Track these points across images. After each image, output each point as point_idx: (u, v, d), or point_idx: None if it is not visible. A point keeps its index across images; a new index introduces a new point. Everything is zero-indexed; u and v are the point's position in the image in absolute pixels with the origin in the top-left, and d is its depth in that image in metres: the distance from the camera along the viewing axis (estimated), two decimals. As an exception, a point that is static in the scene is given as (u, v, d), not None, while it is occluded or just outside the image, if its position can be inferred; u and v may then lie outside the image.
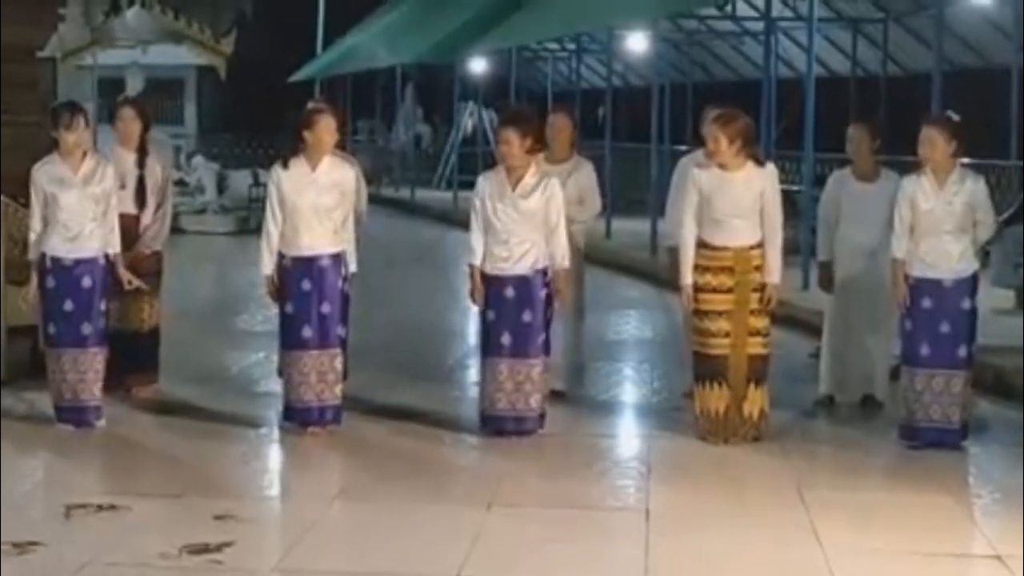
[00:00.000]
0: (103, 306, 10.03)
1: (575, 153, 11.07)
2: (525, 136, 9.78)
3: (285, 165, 9.80)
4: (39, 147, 11.95)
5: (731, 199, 9.59)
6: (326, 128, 9.75)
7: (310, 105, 10.52)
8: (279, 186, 9.79)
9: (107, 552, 7.31)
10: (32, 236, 10.07)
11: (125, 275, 10.20)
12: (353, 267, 10.04)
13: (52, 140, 10.12)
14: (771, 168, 9.85)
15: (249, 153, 33.01)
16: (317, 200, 9.73)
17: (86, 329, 9.94)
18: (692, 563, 7.34)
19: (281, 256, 9.81)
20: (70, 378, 9.94)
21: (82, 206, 9.93)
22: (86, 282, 9.95)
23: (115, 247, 10.12)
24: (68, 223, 9.91)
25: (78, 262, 9.95)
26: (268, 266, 9.85)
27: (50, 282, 9.97)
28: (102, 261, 10.03)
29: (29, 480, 8.89)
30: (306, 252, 9.76)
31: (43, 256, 9.99)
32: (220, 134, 37.52)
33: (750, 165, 9.64)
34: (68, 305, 9.93)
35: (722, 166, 9.61)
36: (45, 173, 9.99)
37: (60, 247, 9.94)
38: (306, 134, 9.72)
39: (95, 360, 9.98)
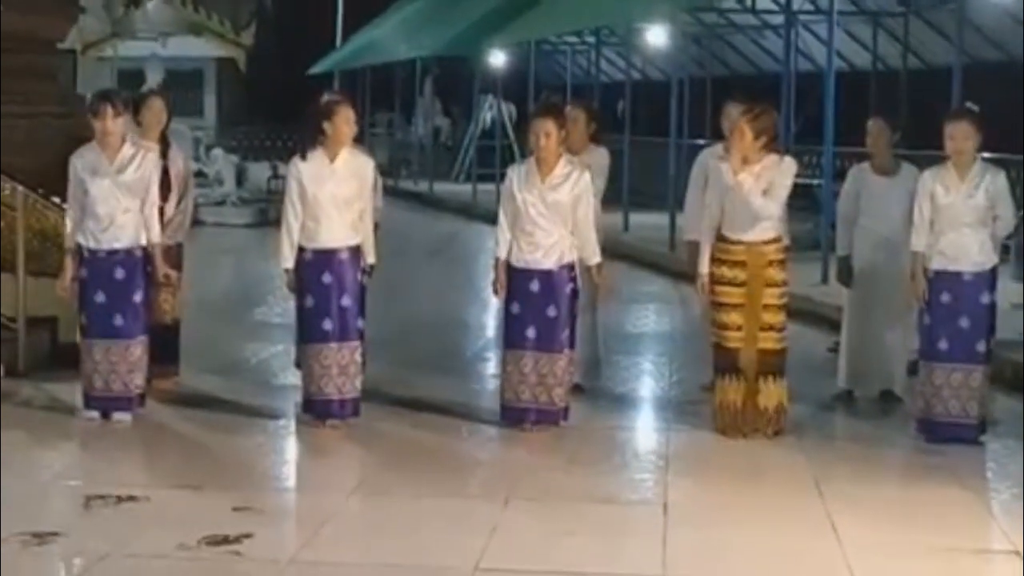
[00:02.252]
0: (138, 297, 9.95)
1: (592, 145, 11.03)
2: (562, 127, 9.80)
3: (303, 157, 9.80)
4: (59, 139, 12.00)
5: (747, 195, 9.55)
6: (345, 119, 9.75)
7: (326, 96, 10.52)
8: (298, 178, 9.79)
9: (126, 543, 7.33)
10: (69, 224, 10.03)
11: (162, 267, 10.14)
12: (372, 259, 10.04)
13: (90, 129, 10.09)
14: (789, 160, 9.82)
15: (268, 145, 33.11)
16: (336, 191, 9.73)
17: (118, 320, 9.89)
18: (710, 557, 7.34)
19: (301, 249, 9.81)
20: (101, 368, 9.91)
21: (113, 194, 9.87)
22: (119, 273, 9.90)
23: (153, 238, 10.04)
24: (99, 212, 9.87)
25: (111, 253, 9.91)
26: (289, 260, 9.84)
27: (83, 272, 9.95)
28: (138, 252, 9.97)
29: (49, 471, 8.91)
30: (326, 244, 9.76)
31: (78, 246, 9.99)
32: (239, 126, 37.60)
33: (772, 157, 9.62)
34: (100, 296, 9.90)
35: (744, 160, 9.59)
36: (83, 161, 9.96)
37: (92, 238, 9.92)
38: (325, 125, 9.71)
39: (128, 351, 9.93)
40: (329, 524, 7.76)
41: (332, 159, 9.76)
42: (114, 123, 9.91)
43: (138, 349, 9.98)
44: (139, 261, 9.98)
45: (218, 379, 11.36)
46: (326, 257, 9.77)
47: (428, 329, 14.15)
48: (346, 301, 9.76)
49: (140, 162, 9.99)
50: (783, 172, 9.63)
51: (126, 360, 9.93)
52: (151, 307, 10.23)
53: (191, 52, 34.47)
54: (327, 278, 9.76)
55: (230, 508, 7.89)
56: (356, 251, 9.84)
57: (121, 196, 9.90)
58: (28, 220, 11.41)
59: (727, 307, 9.67)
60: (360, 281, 9.86)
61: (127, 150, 9.99)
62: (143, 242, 9.99)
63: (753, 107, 9.73)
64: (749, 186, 9.51)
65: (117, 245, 9.92)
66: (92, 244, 9.92)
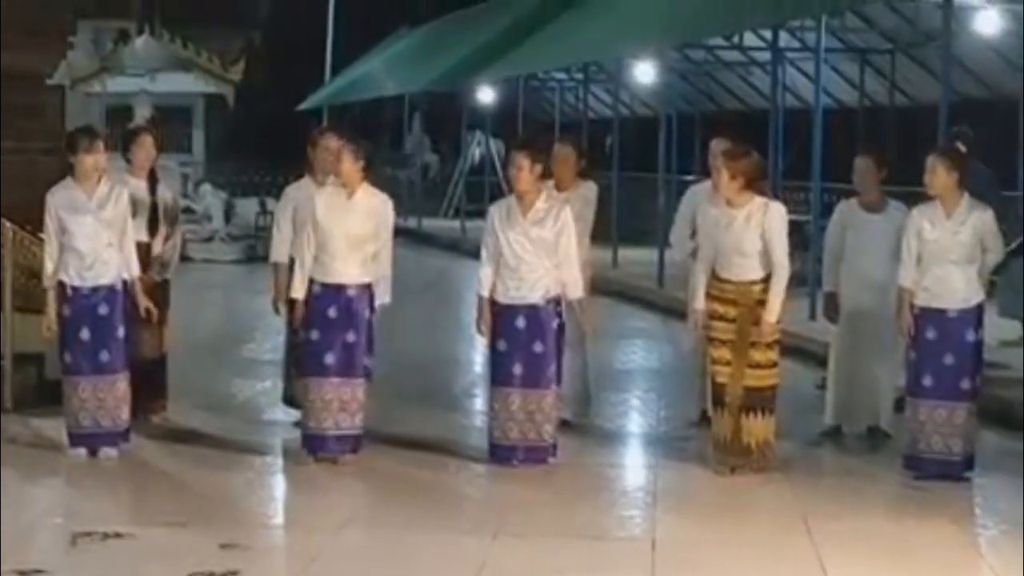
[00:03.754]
0: (121, 332, 9.95)
1: (581, 181, 11.04)
2: (535, 161, 9.81)
3: (320, 183, 9.83)
4: (47, 174, 12.00)
5: (731, 236, 9.60)
6: (324, 147, 9.85)
7: (318, 134, 10.58)
8: (313, 212, 9.76)
9: (113, 580, 7.31)
10: (48, 264, 9.97)
11: (143, 301, 10.14)
12: (387, 299, 10.02)
13: (68, 165, 10.09)
14: (776, 206, 9.80)
15: (256, 181, 33.06)
16: (351, 229, 9.72)
17: (104, 356, 9.89)
18: (698, 593, 7.34)
19: (310, 282, 9.79)
20: (89, 405, 9.88)
21: (96, 232, 9.88)
22: (103, 309, 9.89)
23: (133, 272, 10.07)
24: (83, 250, 9.85)
25: (95, 289, 9.90)
26: (300, 291, 9.82)
27: (66, 311, 9.92)
28: (119, 287, 9.97)
29: (35, 507, 8.88)
30: (335, 279, 9.74)
31: (61, 284, 9.95)
32: (228, 162, 37.57)
33: (755, 202, 9.64)
34: (85, 333, 9.88)
35: (728, 202, 9.63)
36: (59, 199, 9.95)
37: (76, 275, 9.90)
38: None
39: (115, 386, 9.92)
40: (317, 561, 7.74)
41: (349, 196, 9.75)
42: (96, 158, 9.92)
43: (123, 384, 9.98)
44: (121, 296, 9.97)
45: (206, 415, 11.34)
46: (334, 292, 9.75)
47: (417, 365, 14.13)
48: (351, 337, 9.73)
49: (117, 197, 10.00)
50: (775, 219, 9.63)
51: (113, 395, 9.92)
52: (133, 342, 10.20)
53: (180, 88, 34.40)
54: (333, 312, 9.73)
55: (217, 545, 7.86)
56: (366, 288, 9.82)
57: (104, 232, 9.90)
58: (15, 256, 11.40)
59: (716, 342, 9.70)
60: (369, 319, 9.84)
61: (104, 186, 9.99)
62: (125, 276, 9.99)
63: (733, 149, 9.77)
64: (739, 228, 9.54)
65: (102, 282, 9.91)
66: (77, 282, 9.89)
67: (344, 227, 9.69)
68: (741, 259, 9.62)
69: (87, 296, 9.91)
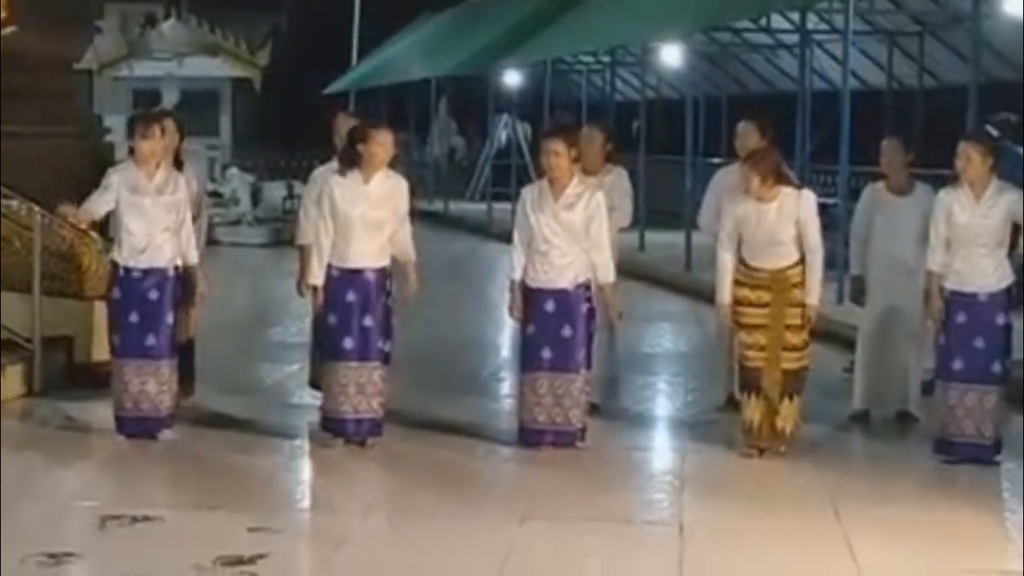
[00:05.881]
0: (170, 318, 9.94)
1: (609, 165, 11.02)
2: (571, 146, 9.79)
3: (342, 174, 9.81)
4: (75, 158, 12.04)
5: (766, 229, 9.58)
6: (379, 143, 9.75)
7: (340, 117, 10.58)
8: (331, 196, 9.77)
9: (141, 563, 7.34)
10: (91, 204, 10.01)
11: (203, 286, 10.13)
12: (415, 284, 10.04)
13: (129, 149, 10.11)
14: (807, 194, 9.78)
15: (283, 165, 33.06)
16: (368, 213, 9.71)
17: (150, 340, 9.87)
18: (726, 578, 7.33)
19: (328, 267, 9.81)
20: (132, 389, 9.88)
21: (153, 216, 9.89)
22: (153, 294, 9.88)
23: (191, 258, 10.07)
24: (137, 232, 9.86)
25: (146, 273, 9.91)
26: (319, 277, 9.83)
27: (117, 292, 9.95)
28: (171, 272, 9.97)
29: (64, 491, 8.92)
30: (353, 264, 9.75)
31: (114, 264, 9.99)
32: (254, 146, 37.62)
33: (784, 192, 9.61)
34: (134, 317, 9.88)
35: (758, 199, 9.60)
36: (120, 176, 9.98)
37: (130, 257, 9.91)
38: (360, 147, 9.72)
39: (158, 372, 9.91)
40: (344, 545, 7.75)
41: (367, 181, 9.75)
42: (153, 144, 9.92)
43: (167, 370, 9.97)
44: (172, 281, 9.97)
45: (233, 399, 11.36)
46: (352, 276, 9.76)
47: (444, 349, 14.14)
48: (368, 321, 9.74)
49: (176, 184, 10.02)
50: (808, 207, 9.63)
51: (157, 380, 9.90)
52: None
53: (207, 72, 34.49)
54: (351, 296, 9.74)
55: (245, 528, 7.89)
56: (383, 272, 9.82)
57: (161, 216, 9.91)
58: (44, 240, 11.43)
59: (748, 327, 9.67)
60: (386, 303, 9.85)
61: (163, 171, 10.00)
62: (178, 263, 9.99)
63: (753, 153, 9.76)
64: (773, 220, 9.52)
65: (154, 265, 9.91)
66: (130, 263, 9.91)
67: (360, 212, 9.69)
68: (777, 248, 9.59)
69: (139, 279, 9.90)
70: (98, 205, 10.04)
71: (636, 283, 17.61)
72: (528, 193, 9.96)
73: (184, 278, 10.04)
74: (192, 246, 10.11)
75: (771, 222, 9.56)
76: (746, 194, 9.65)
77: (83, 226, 10.55)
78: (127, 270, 9.92)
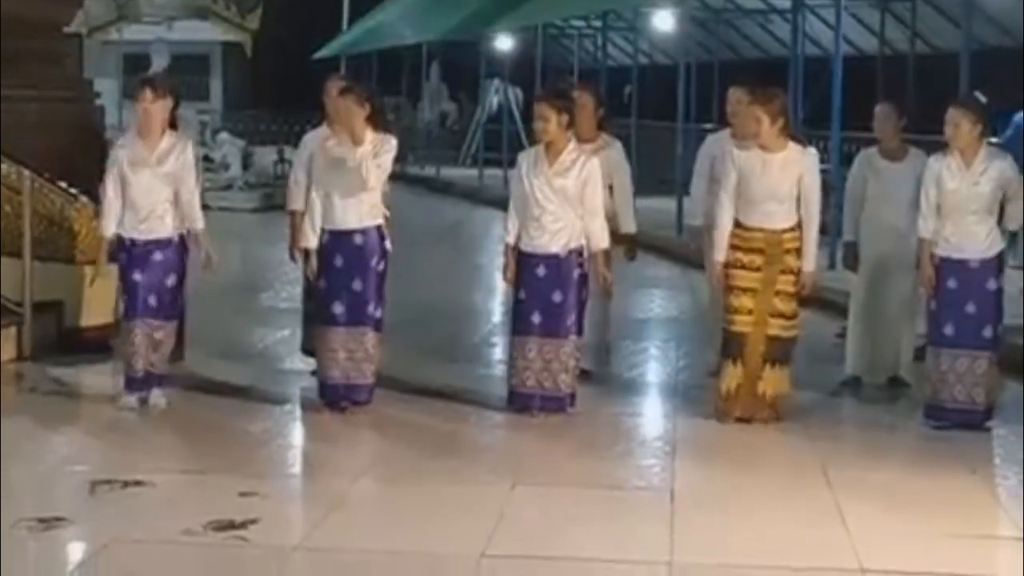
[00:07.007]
0: (171, 281, 9.85)
1: (602, 132, 10.97)
2: (561, 112, 9.74)
3: (327, 138, 9.77)
4: (65, 122, 11.98)
5: (768, 182, 9.52)
6: (345, 107, 9.69)
7: (331, 81, 10.52)
8: (316, 159, 9.76)
9: (132, 528, 7.33)
10: (104, 220, 9.92)
11: (209, 251, 10.01)
12: (388, 245, 9.98)
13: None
14: (812, 152, 9.76)
15: (274, 129, 33.05)
16: (352, 175, 9.68)
17: (152, 301, 9.79)
18: (717, 543, 7.31)
19: (320, 231, 9.78)
20: (140, 350, 9.79)
21: (153, 187, 9.80)
22: (157, 256, 9.81)
23: (197, 225, 9.93)
24: (138, 203, 9.79)
25: (150, 243, 9.82)
26: (312, 239, 9.81)
27: (123, 257, 9.89)
28: (176, 240, 9.89)
29: (54, 456, 8.91)
30: (341, 226, 9.72)
31: (120, 237, 9.88)
32: (245, 110, 37.55)
33: (791, 147, 9.58)
34: (137, 275, 9.79)
35: (763, 147, 9.55)
36: (123, 152, 9.88)
37: (132, 228, 9.83)
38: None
39: (156, 331, 9.81)
40: (336, 510, 7.75)
41: (354, 143, 9.70)
42: (153, 106, 9.83)
43: (162, 333, 9.87)
44: (177, 247, 9.90)
45: (224, 364, 11.35)
46: (340, 239, 9.74)
47: (435, 314, 14.12)
48: (357, 285, 9.72)
49: (180, 150, 9.90)
50: (814, 166, 9.62)
51: (151, 340, 9.84)
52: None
53: (197, 36, 34.41)
54: (339, 261, 9.73)
55: (236, 493, 7.88)
56: (371, 234, 9.78)
57: (161, 187, 9.83)
58: (34, 204, 11.39)
59: (737, 290, 9.63)
60: (377, 269, 9.81)
61: (166, 139, 9.89)
62: (181, 231, 9.92)
63: (761, 92, 9.68)
64: (776, 173, 9.47)
65: (156, 235, 9.83)
66: (133, 235, 9.83)
67: (346, 174, 9.66)
68: (776, 205, 9.54)
69: (142, 246, 9.82)
70: (111, 193, 9.90)
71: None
72: (524, 158, 9.93)
73: (186, 245, 9.95)
74: (198, 212, 9.99)
75: (774, 175, 9.50)
76: (753, 138, 9.58)
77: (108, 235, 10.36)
78: (132, 241, 9.84)
